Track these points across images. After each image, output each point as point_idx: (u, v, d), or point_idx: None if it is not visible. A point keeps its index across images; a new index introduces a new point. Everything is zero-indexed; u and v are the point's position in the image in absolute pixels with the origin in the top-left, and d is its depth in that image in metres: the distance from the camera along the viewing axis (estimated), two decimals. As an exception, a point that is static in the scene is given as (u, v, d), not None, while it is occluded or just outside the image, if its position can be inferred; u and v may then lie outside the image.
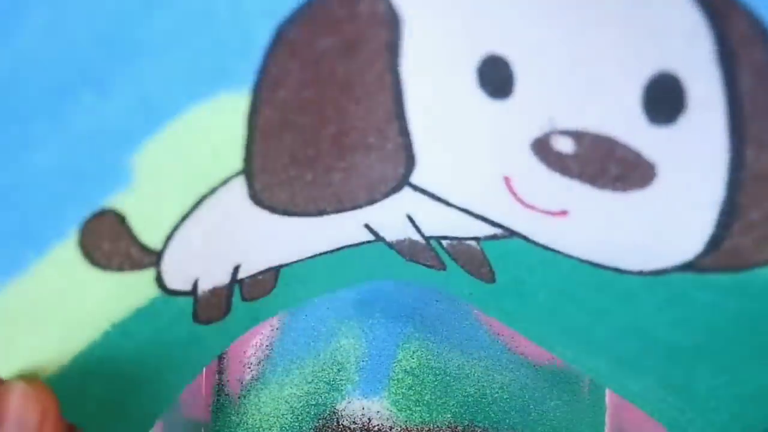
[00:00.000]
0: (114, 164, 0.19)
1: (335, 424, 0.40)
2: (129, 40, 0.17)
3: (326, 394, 0.40)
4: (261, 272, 0.27)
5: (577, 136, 0.20)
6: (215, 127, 0.20)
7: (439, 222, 0.25)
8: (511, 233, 0.24)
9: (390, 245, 0.27)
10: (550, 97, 0.19)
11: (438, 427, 0.39)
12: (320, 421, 0.40)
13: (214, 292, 0.26)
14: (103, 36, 0.17)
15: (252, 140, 0.21)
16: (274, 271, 0.28)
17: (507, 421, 0.40)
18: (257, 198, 0.23)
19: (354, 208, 0.25)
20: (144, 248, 0.22)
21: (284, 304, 0.30)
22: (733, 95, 0.17)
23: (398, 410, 0.39)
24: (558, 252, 0.24)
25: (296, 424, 0.40)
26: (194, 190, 0.22)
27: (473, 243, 0.26)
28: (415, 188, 0.24)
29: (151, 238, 0.22)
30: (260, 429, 0.40)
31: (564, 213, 0.22)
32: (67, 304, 0.22)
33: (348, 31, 0.19)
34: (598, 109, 0.19)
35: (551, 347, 0.29)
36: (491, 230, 0.24)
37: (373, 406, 0.39)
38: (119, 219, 0.21)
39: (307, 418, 0.40)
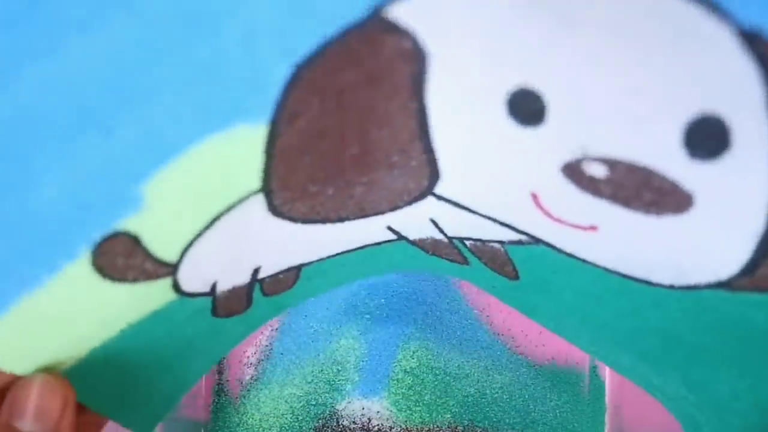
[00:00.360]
0: (122, 193, 0.19)
1: (335, 424, 0.40)
2: (135, 85, 0.18)
3: (326, 394, 0.40)
4: (282, 272, 0.27)
5: (611, 163, 0.19)
6: (233, 155, 0.20)
7: (463, 225, 0.25)
8: (537, 241, 0.24)
9: (412, 243, 0.27)
10: (583, 128, 0.19)
11: (438, 427, 0.39)
12: (320, 421, 0.40)
13: (234, 291, 0.27)
14: (108, 82, 0.17)
15: (270, 163, 0.21)
16: (296, 270, 0.28)
17: (507, 421, 0.40)
18: (277, 211, 0.23)
19: (377, 214, 0.25)
20: (159, 261, 0.22)
21: (306, 295, 0.30)
22: None
23: (398, 410, 0.39)
24: (585, 261, 0.23)
25: (296, 424, 0.40)
26: (210, 210, 0.22)
27: (497, 245, 0.25)
28: (440, 198, 0.24)
29: (167, 253, 0.22)
30: (260, 429, 0.40)
31: (593, 228, 0.22)
32: (82, 311, 0.22)
33: (371, 66, 0.19)
34: (634, 142, 0.19)
35: (575, 340, 0.29)
36: (516, 236, 0.24)
37: (373, 406, 0.39)
38: (132, 239, 0.21)
39: (307, 418, 0.40)
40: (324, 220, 0.24)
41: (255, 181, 0.21)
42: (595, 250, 0.23)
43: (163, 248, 0.22)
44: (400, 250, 0.28)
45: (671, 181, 0.19)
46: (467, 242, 0.26)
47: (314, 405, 0.40)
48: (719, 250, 0.20)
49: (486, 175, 0.22)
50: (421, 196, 0.24)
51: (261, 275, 0.27)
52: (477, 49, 0.19)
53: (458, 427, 0.39)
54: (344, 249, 0.27)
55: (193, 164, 0.20)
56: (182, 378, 0.29)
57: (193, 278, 0.24)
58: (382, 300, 0.41)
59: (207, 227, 0.22)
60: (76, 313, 0.22)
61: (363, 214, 0.25)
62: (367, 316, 0.41)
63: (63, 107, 0.18)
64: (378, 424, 0.39)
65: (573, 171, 0.20)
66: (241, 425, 0.40)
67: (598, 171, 0.19)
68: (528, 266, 0.26)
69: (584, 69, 0.18)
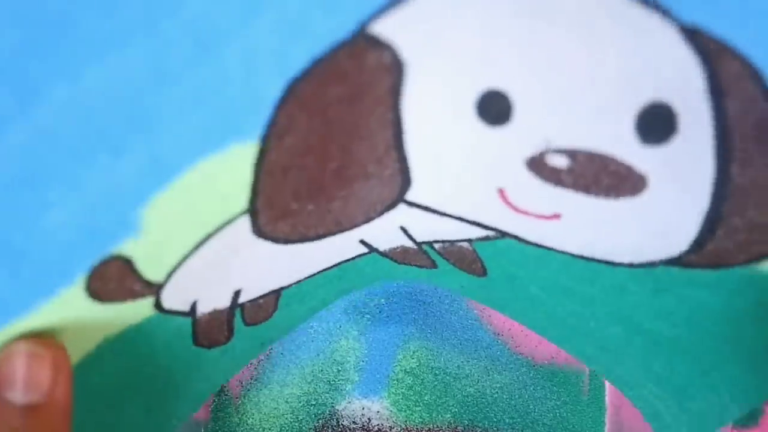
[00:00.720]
0: (123, 218, 0.20)
1: (335, 424, 0.40)
2: (145, 108, 0.18)
3: (326, 394, 0.40)
4: (262, 296, 0.27)
5: (571, 153, 0.21)
6: (224, 175, 0.20)
7: (432, 229, 0.26)
8: (503, 234, 0.25)
9: (383, 254, 0.28)
10: (547, 122, 0.21)
11: (438, 427, 0.39)
12: (320, 421, 0.40)
13: (214, 315, 0.26)
14: (122, 105, 0.18)
15: (258, 182, 0.21)
16: (275, 294, 0.28)
17: (507, 421, 0.40)
18: (261, 231, 0.23)
19: (352, 228, 0.25)
20: (147, 282, 0.22)
21: (287, 325, 0.30)
22: (721, 122, 0.19)
23: (398, 410, 0.39)
24: (550, 249, 0.25)
25: (296, 424, 0.40)
26: (201, 232, 0.22)
27: (465, 244, 0.27)
28: (410, 204, 0.25)
29: (156, 274, 0.22)
30: (260, 429, 0.40)
31: (556, 216, 0.23)
32: (65, 329, 0.22)
33: (355, 81, 0.20)
34: (593, 132, 0.20)
35: (542, 332, 0.31)
36: (483, 233, 0.26)
37: (373, 406, 0.39)
38: (126, 263, 0.21)
39: (307, 418, 0.40)
40: (303, 239, 0.24)
41: (243, 201, 0.22)
42: (559, 238, 0.24)
43: (153, 270, 0.22)
44: (371, 263, 0.28)
45: (626, 165, 0.21)
46: (436, 245, 0.27)
47: (314, 405, 0.40)
48: (671, 227, 0.22)
49: (455, 176, 0.23)
50: (392, 205, 0.25)
51: (242, 299, 0.27)
52: (450, 56, 0.20)
53: (458, 427, 0.39)
54: (320, 268, 0.28)
55: (188, 187, 0.20)
56: (163, 413, 0.28)
57: (173, 296, 0.24)
58: (382, 300, 0.41)
59: (195, 248, 0.23)
60: (59, 332, 0.22)
61: (339, 229, 0.25)
62: (368, 316, 0.41)
63: (79, 131, 0.18)
64: (378, 424, 0.39)
65: (537, 164, 0.22)
66: (241, 425, 0.40)
67: (560, 162, 0.21)
68: (495, 261, 0.27)
69: (546, 68, 0.19)
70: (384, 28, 0.19)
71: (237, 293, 0.27)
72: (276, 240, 0.24)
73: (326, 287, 0.29)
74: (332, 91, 0.20)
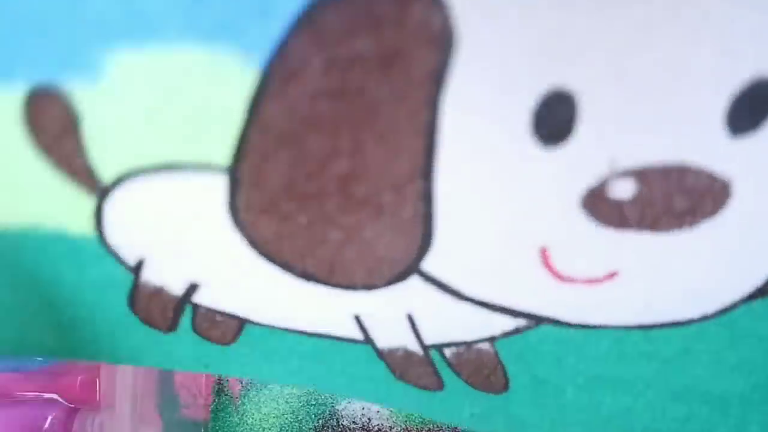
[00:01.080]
0: (83, 47, 0.17)
1: (335, 424, 0.40)
2: None
3: (326, 394, 0.40)
4: (219, 312, 0.23)
5: (640, 174, 0.18)
6: (212, 84, 0.17)
7: (447, 322, 0.22)
8: (538, 321, 0.21)
9: (381, 354, 0.23)
10: (616, 131, 0.17)
11: (438, 427, 0.39)
12: (320, 421, 0.40)
13: (160, 294, 0.23)
14: None
15: (247, 135, 0.18)
16: (237, 322, 0.24)
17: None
18: (237, 219, 0.20)
19: (348, 286, 0.21)
20: (88, 168, 0.19)
21: (244, 370, 0.25)
22: None
23: (398, 410, 0.39)
24: (598, 327, 0.21)
25: (296, 424, 0.40)
26: (166, 145, 0.19)
27: (485, 345, 0.23)
28: (426, 277, 0.20)
29: (102, 163, 0.19)
30: (260, 429, 0.40)
31: (611, 276, 0.20)
32: (6, 165, 0.19)
33: (390, 38, 0.16)
34: (672, 134, 0.17)
35: None
36: (512, 323, 0.21)
37: (373, 406, 0.40)
38: (71, 115, 0.18)
39: (307, 418, 0.40)
40: (285, 265, 0.20)
41: (225, 149, 0.18)
42: (612, 307, 0.20)
43: (101, 155, 0.19)
44: (362, 362, 0.24)
45: (708, 173, 0.17)
46: (447, 352, 0.23)
47: (314, 405, 0.40)
48: (759, 245, 0.18)
49: (491, 229, 0.19)
50: (405, 274, 0.20)
51: (196, 298, 0.23)
52: (517, 35, 0.16)
53: (458, 428, 0.39)
54: (299, 327, 0.23)
55: (169, 66, 0.17)
56: (64, 337, 0.25)
57: (118, 230, 0.21)
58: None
59: (153, 172, 0.19)
60: None
61: (331, 279, 0.21)
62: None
63: None
64: (378, 424, 0.39)
65: (595, 200, 0.18)
66: (241, 425, 0.40)
67: (626, 190, 0.18)
68: (521, 365, 0.23)
69: (626, 60, 0.16)
70: None
71: (192, 287, 0.23)
72: (253, 242, 0.20)
73: (303, 362, 0.24)
74: (359, 42, 0.16)
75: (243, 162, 0.18)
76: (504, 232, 0.19)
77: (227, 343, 0.24)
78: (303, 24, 0.16)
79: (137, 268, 0.22)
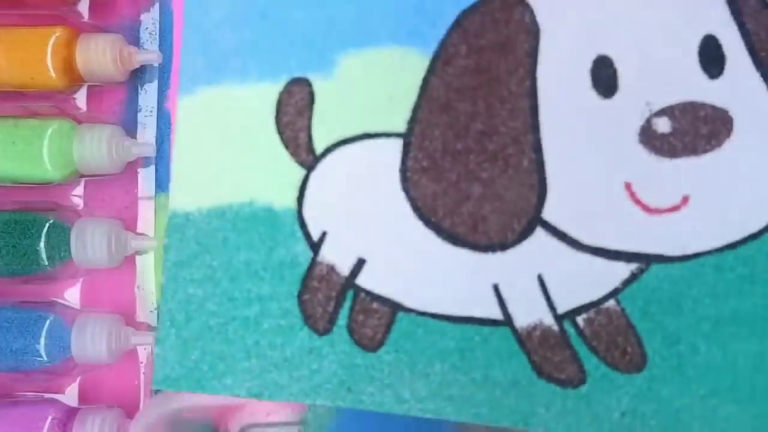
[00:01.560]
0: (325, 52, 0.27)
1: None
2: None
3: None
4: (377, 297, 0.27)
5: (669, 111, 0.26)
6: (401, 70, 0.27)
7: (573, 280, 0.26)
8: (647, 262, 0.26)
9: (520, 339, 0.26)
10: (643, 85, 0.26)
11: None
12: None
13: (329, 275, 0.27)
14: None
15: (419, 106, 0.27)
16: (389, 315, 0.27)
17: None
18: (405, 179, 0.27)
19: (486, 247, 0.26)
20: (309, 142, 0.28)
21: (381, 396, 0.26)
22: (755, 56, 0.26)
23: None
24: (697, 256, 0.26)
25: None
26: (368, 117, 0.27)
27: (612, 304, 0.26)
28: (548, 228, 0.26)
29: (318, 138, 0.28)
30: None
31: (686, 200, 0.26)
32: (245, 145, 0.27)
33: (503, 31, 0.27)
34: (676, 78, 0.26)
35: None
36: (626, 270, 0.26)
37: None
38: (309, 99, 0.27)
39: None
40: (438, 225, 0.26)
41: (403, 117, 0.27)
42: (698, 231, 0.26)
43: (320, 130, 0.27)
44: (503, 359, 0.26)
45: (710, 104, 0.26)
46: (580, 321, 0.26)
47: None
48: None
49: (585, 170, 0.26)
50: (530, 225, 0.26)
51: (361, 277, 0.27)
52: (574, 23, 0.27)
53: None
54: (446, 310, 0.26)
55: (379, 60, 0.27)
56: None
57: (314, 204, 0.27)
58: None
59: (351, 139, 0.27)
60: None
61: (474, 236, 0.26)
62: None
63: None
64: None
65: (648, 136, 0.26)
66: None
67: (665, 125, 0.26)
68: (649, 319, 0.26)
69: (640, 33, 0.26)
70: None
71: (359, 265, 0.27)
72: (414, 201, 0.27)
73: (447, 370, 0.26)
74: (487, 36, 0.27)
75: (414, 128, 0.27)
76: (594, 171, 0.27)
77: (376, 347, 0.27)
78: (455, 27, 0.27)
79: (318, 244, 0.27)
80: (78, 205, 0.35)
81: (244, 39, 0.28)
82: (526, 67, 0.27)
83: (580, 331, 0.26)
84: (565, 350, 0.26)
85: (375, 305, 0.27)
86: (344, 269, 0.27)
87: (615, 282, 0.26)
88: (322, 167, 0.27)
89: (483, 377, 0.26)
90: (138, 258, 0.34)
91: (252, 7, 0.28)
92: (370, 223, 0.27)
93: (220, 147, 0.28)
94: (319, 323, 0.27)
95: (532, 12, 0.27)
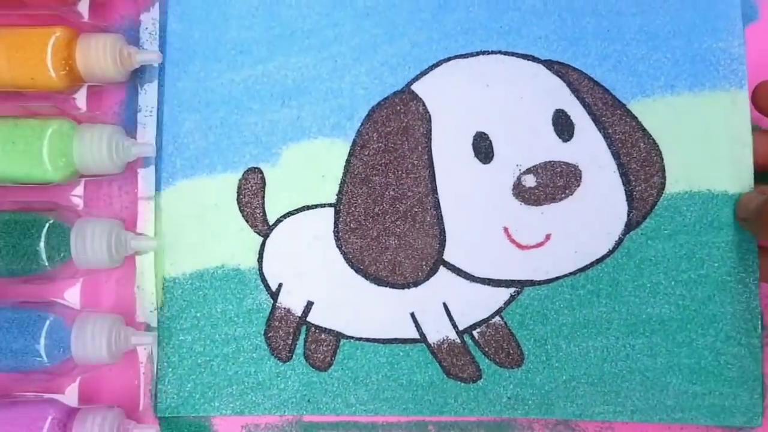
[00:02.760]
0: (272, 146, 0.36)
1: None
2: (303, 90, 0.36)
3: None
4: (324, 329, 0.35)
5: (534, 170, 0.34)
6: (329, 155, 0.35)
7: (468, 303, 0.35)
8: (521, 287, 0.35)
9: (432, 351, 0.35)
10: (513, 151, 0.35)
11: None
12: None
13: (288, 315, 0.35)
14: (298, 86, 0.37)
15: (344, 181, 0.35)
16: (334, 339, 0.35)
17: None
18: (338, 239, 0.35)
19: (404, 284, 0.35)
20: (264, 216, 0.35)
21: (335, 403, 0.35)
22: (597, 121, 0.35)
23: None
24: (557, 279, 0.35)
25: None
26: (304, 195, 0.35)
27: (498, 320, 0.35)
28: (448, 266, 0.35)
29: (270, 213, 0.35)
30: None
31: (548, 237, 0.34)
32: (216, 222, 0.36)
33: (403, 120, 0.35)
34: (537, 144, 0.35)
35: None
36: (507, 293, 0.35)
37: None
38: (262, 182, 0.35)
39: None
40: (365, 271, 0.35)
41: (333, 191, 0.35)
42: (557, 260, 0.35)
43: (271, 203, 0.35)
44: (422, 366, 0.35)
45: (563, 161, 0.34)
46: (476, 333, 0.35)
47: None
48: (608, 197, 0.35)
49: (473, 219, 0.35)
50: (435, 266, 0.35)
51: (311, 315, 0.35)
52: (456, 109, 0.35)
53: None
54: (377, 335, 0.35)
55: (312, 149, 0.35)
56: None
57: (270, 263, 0.35)
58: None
59: (293, 211, 0.35)
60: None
61: (393, 278, 0.35)
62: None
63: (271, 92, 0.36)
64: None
65: (519, 190, 0.34)
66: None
67: (531, 181, 0.34)
68: (524, 329, 0.35)
69: (504, 112, 0.35)
70: (419, 88, 0.35)
71: (309, 304, 0.35)
72: (346, 256, 0.35)
73: (380, 370, 0.35)
74: (391, 124, 0.35)
75: (342, 198, 0.35)
76: (480, 220, 0.35)
77: (327, 368, 0.35)
78: (367, 119, 0.35)
79: (276, 293, 0.35)
80: (78, 205, 0.35)
81: (209, 142, 0.36)
82: (423, 145, 0.35)
83: (476, 341, 0.35)
84: (466, 356, 0.35)
85: (323, 336, 0.35)
86: (298, 310, 0.35)
87: (499, 303, 0.35)
88: (275, 234, 0.35)
89: (408, 381, 0.35)
90: (138, 258, 0.34)
91: (213, 117, 0.36)
92: (314, 273, 0.35)
93: (196, 225, 0.35)
94: (282, 353, 0.35)
95: (423, 104, 0.35)
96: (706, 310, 0.34)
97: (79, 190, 0.35)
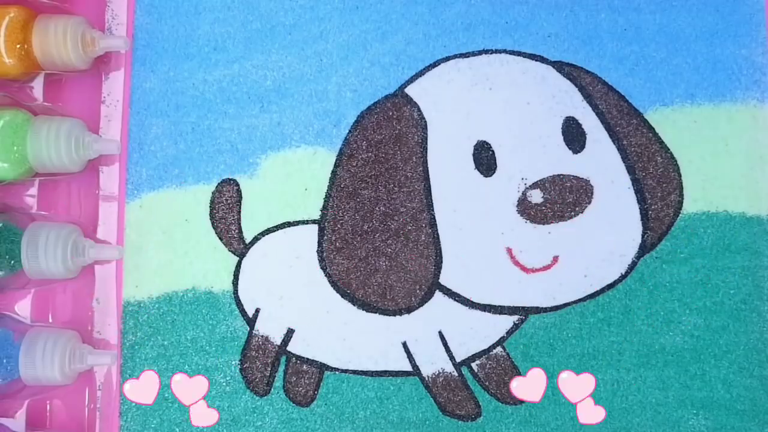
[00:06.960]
0: (250, 156, 0.33)
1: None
2: (284, 93, 0.34)
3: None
4: (305, 360, 0.32)
5: (541, 184, 0.32)
6: (312, 166, 0.33)
7: (467, 333, 0.32)
8: (526, 314, 0.32)
9: (426, 385, 0.32)
10: (518, 163, 0.32)
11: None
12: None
13: (264, 345, 0.33)
14: (277, 88, 0.34)
15: (330, 195, 0.32)
16: (317, 371, 0.32)
17: None
18: (322, 259, 0.32)
19: (395, 310, 0.32)
20: (239, 233, 0.32)
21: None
22: (611, 131, 0.33)
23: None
24: (564, 306, 0.32)
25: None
26: (285, 210, 0.33)
27: (499, 350, 0.32)
28: (445, 291, 0.32)
29: (248, 226, 0.33)
30: None
31: (556, 259, 0.32)
32: (185, 241, 0.33)
33: (396, 127, 0.33)
34: (545, 156, 0.32)
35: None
36: (509, 321, 0.32)
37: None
38: (237, 196, 0.33)
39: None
40: (352, 296, 0.32)
41: (317, 206, 0.32)
42: (565, 285, 0.32)
43: (248, 220, 0.33)
44: (415, 397, 0.32)
45: (574, 176, 0.32)
46: (475, 366, 0.33)
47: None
48: (620, 217, 0.33)
49: (473, 238, 0.32)
50: (430, 291, 0.32)
51: (292, 345, 0.32)
52: (455, 115, 0.32)
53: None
54: (365, 367, 0.32)
55: (292, 158, 0.33)
56: None
57: (246, 286, 0.33)
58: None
59: (273, 228, 0.33)
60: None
61: (384, 303, 0.32)
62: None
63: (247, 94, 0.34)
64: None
65: (524, 207, 0.31)
66: None
67: (537, 196, 0.32)
68: (529, 360, 0.32)
69: (514, 121, 0.32)
70: (414, 91, 0.33)
71: (290, 332, 0.32)
72: (331, 278, 0.32)
73: (366, 404, 0.33)
74: (382, 131, 0.32)
75: (327, 214, 0.32)
76: (481, 240, 0.32)
77: (308, 403, 0.33)
78: (355, 126, 0.33)
79: (253, 320, 0.33)
80: (31, 206, 0.33)
81: (179, 150, 0.34)
82: (418, 156, 0.32)
83: (475, 375, 0.33)
84: (464, 391, 0.33)
85: (305, 367, 0.33)
86: (277, 339, 0.33)
87: (501, 332, 0.32)
88: (252, 254, 0.33)
89: (399, 419, 0.33)
90: (97, 268, 0.32)
91: (184, 122, 0.34)
92: (295, 297, 0.33)
93: (163, 243, 0.33)
94: (259, 387, 0.33)
95: (419, 108, 0.32)
96: (720, 340, 0.32)
97: (33, 190, 0.33)
